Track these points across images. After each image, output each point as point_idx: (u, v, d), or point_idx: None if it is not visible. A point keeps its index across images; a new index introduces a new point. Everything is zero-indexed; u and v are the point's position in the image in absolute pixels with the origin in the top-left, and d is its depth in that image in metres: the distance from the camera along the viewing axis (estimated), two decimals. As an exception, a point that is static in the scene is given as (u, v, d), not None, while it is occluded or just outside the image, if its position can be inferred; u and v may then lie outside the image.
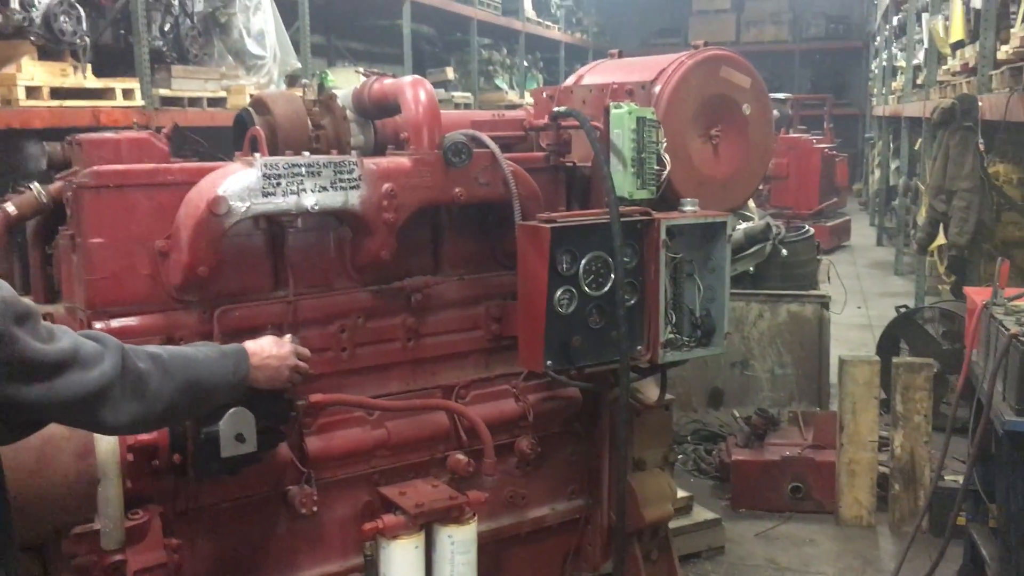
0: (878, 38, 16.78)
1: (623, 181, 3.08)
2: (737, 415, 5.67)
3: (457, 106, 10.79)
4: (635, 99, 3.24)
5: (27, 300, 1.73)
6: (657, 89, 3.24)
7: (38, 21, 5.39)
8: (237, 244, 2.77)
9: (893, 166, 13.52)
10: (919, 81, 10.42)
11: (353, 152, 3.02)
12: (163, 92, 6.44)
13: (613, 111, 3.09)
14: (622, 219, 2.94)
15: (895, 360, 5.01)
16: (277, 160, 2.68)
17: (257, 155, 2.68)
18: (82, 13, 5.64)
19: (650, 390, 3.52)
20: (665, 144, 3.14)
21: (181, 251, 2.58)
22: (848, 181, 17.66)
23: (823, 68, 23.07)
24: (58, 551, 2.42)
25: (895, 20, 13.38)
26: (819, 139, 15.25)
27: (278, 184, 2.65)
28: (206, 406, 2.25)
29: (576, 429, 3.47)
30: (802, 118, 16.85)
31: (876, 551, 4.69)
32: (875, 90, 17.17)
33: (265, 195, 2.63)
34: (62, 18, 5.48)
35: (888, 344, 6.32)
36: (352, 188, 2.77)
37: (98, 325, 2.55)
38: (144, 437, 2.47)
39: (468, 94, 11.95)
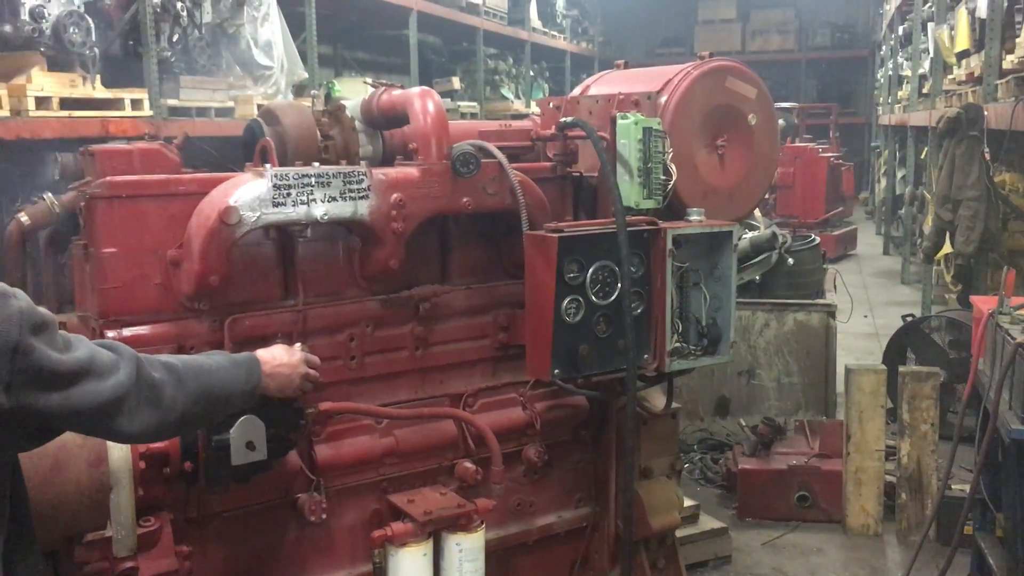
0: (884, 47, 16.79)
1: (629, 191, 3.10)
2: (744, 424, 5.68)
3: (463, 116, 10.83)
4: (641, 109, 3.26)
5: (44, 310, 1.75)
6: (663, 100, 3.27)
7: (48, 32, 5.43)
8: (248, 254, 2.80)
9: (899, 175, 13.51)
10: (925, 90, 10.42)
11: (362, 162, 3.05)
12: (171, 102, 6.48)
13: (619, 121, 3.12)
14: (629, 228, 2.96)
15: (902, 369, 5.01)
16: (287, 170, 2.71)
17: (268, 166, 2.72)
18: (91, 24, 5.68)
19: (657, 398, 3.54)
20: (671, 154, 3.16)
21: (192, 260, 2.61)
22: (854, 190, 17.66)
23: (829, 77, 23.07)
24: (70, 558, 2.44)
25: (901, 29, 13.39)
26: (825, 148, 15.23)
27: (288, 194, 2.67)
28: (220, 414, 2.27)
29: (583, 437, 3.49)
30: (808, 127, 16.87)
31: (883, 560, 4.69)
32: (881, 99, 17.17)
33: (275, 205, 2.66)
34: (71, 29, 5.51)
35: (895, 353, 6.32)
36: (361, 198, 2.80)
37: (111, 334, 2.58)
38: (156, 445, 2.49)
39: (474, 103, 11.99)
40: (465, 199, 3.01)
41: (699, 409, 6.27)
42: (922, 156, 10.70)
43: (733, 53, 19.33)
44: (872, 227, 17.01)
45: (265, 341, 2.67)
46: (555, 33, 16.17)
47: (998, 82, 6.18)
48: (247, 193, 2.63)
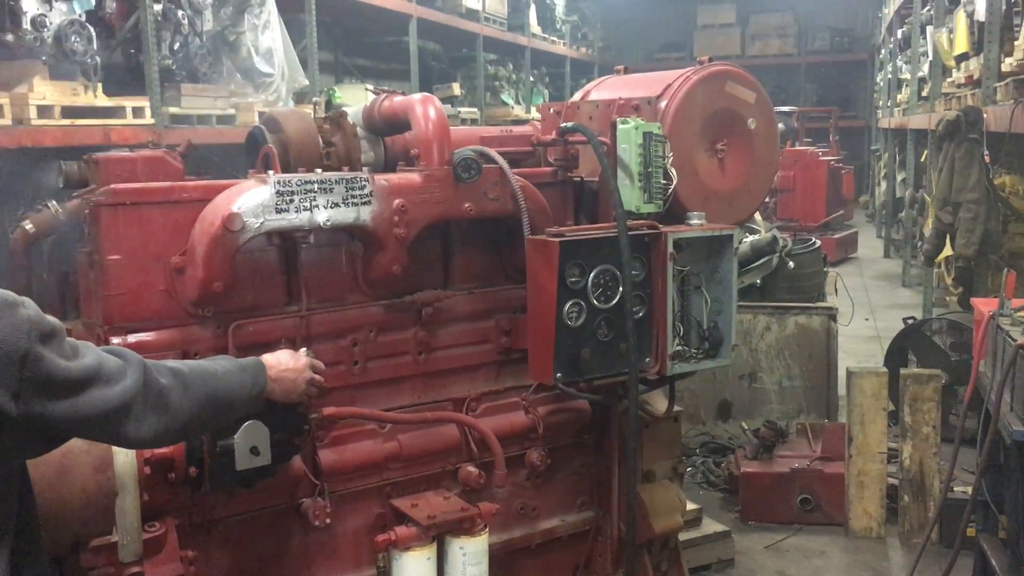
0: (883, 51, 16.81)
1: (630, 195, 3.11)
2: (745, 427, 5.69)
3: (463, 121, 10.85)
4: (641, 114, 3.28)
5: (52, 318, 1.77)
6: (663, 104, 3.28)
7: (49, 41, 5.45)
8: (251, 260, 2.81)
9: (899, 178, 13.52)
10: (924, 93, 10.44)
11: (364, 168, 3.06)
12: (173, 110, 6.50)
13: (620, 126, 3.13)
14: (630, 233, 2.98)
15: (903, 371, 5.02)
16: (290, 177, 2.72)
17: (270, 172, 2.73)
18: (93, 33, 5.70)
19: (659, 402, 3.55)
20: (671, 158, 3.18)
21: (196, 267, 2.63)
22: (854, 193, 17.68)
23: (828, 81, 23.11)
24: (76, 564, 2.45)
25: (900, 33, 13.41)
26: (825, 152, 15.26)
27: (291, 201, 2.69)
28: (226, 419, 2.28)
29: (586, 441, 3.49)
30: (808, 131, 16.88)
31: (886, 563, 4.69)
32: (880, 102, 17.19)
33: (278, 211, 2.67)
34: (73, 38, 5.53)
35: (896, 355, 6.33)
36: (364, 204, 2.81)
37: (115, 340, 2.59)
38: (160, 451, 2.50)
39: (474, 109, 12.02)
40: (467, 204, 3.03)
41: (701, 412, 6.28)
42: (922, 159, 10.71)
43: (732, 57, 19.38)
44: (872, 230, 17.03)
45: (269, 347, 2.69)
46: (555, 39, 16.21)
47: (997, 85, 6.19)
48: (250, 200, 2.64)
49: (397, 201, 2.87)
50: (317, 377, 2.58)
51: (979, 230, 6.15)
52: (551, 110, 3.71)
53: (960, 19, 7.47)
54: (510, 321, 3.28)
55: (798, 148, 14.45)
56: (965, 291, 6.66)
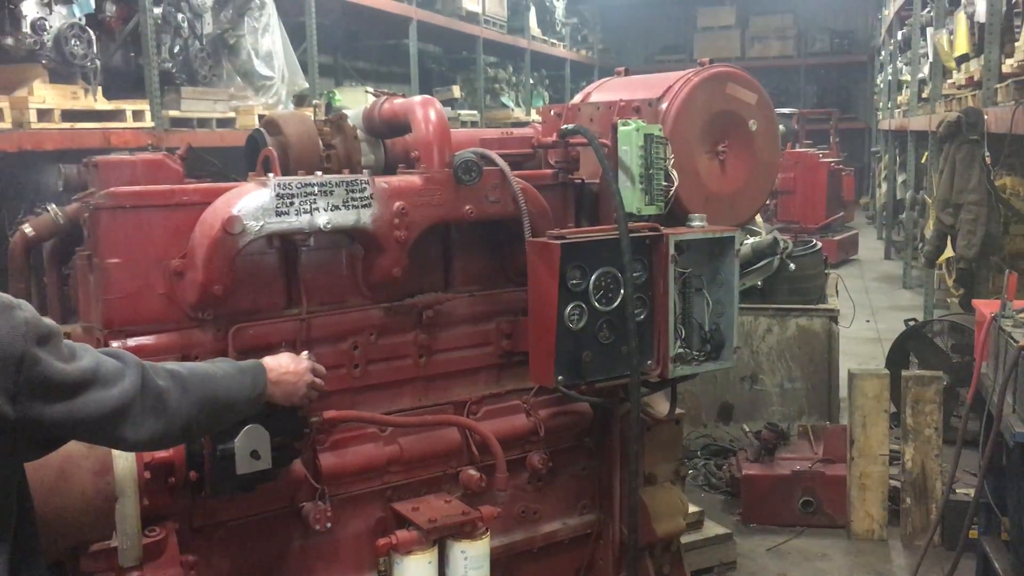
0: (883, 52, 16.82)
1: (631, 197, 3.10)
2: (747, 429, 5.67)
3: (464, 124, 10.85)
4: (642, 116, 3.27)
5: (49, 320, 1.76)
6: (664, 106, 3.28)
7: (49, 44, 5.45)
8: (251, 263, 2.80)
9: (900, 179, 13.52)
10: (924, 95, 10.44)
11: (364, 171, 3.05)
12: (173, 113, 6.50)
13: (621, 128, 3.12)
14: (631, 235, 2.97)
15: (905, 373, 5.01)
16: (290, 180, 2.71)
17: (270, 175, 2.72)
18: (92, 36, 5.70)
19: (660, 405, 3.54)
20: (672, 160, 3.17)
21: (196, 270, 2.62)
22: (855, 195, 17.68)
23: (828, 83, 23.12)
24: (76, 568, 2.44)
25: (900, 34, 13.42)
26: (825, 153, 15.26)
27: (291, 203, 2.68)
28: (226, 421, 2.27)
29: (587, 444, 3.48)
30: (808, 132, 16.87)
31: (888, 565, 4.68)
32: (880, 104, 17.19)
33: (279, 214, 2.67)
34: (73, 41, 5.53)
35: (897, 357, 6.32)
36: (364, 207, 2.80)
37: (115, 344, 2.58)
38: (160, 454, 2.50)
39: (474, 112, 12.02)
40: (467, 207, 3.02)
41: (702, 415, 6.27)
42: (922, 160, 10.71)
43: (732, 59, 19.36)
44: (873, 232, 17.03)
45: (269, 350, 2.68)
46: (555, 41, 16.22)
47: (998, 86, 6.19)
48: (250, 203, 2.63)
49: (397, 204, 2.87)
50: (318, 380, 2.58)
51: (980, 232, 6.15)
52: (552, 112, 3.71)
53: (960, 20, 7.47)
54: (511, 324, 3.27)
55: (798, 150, 14.45)
56: (966, 293, 6.65)
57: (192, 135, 6.38)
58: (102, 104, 5.84)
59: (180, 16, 6.62)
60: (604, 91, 3.70)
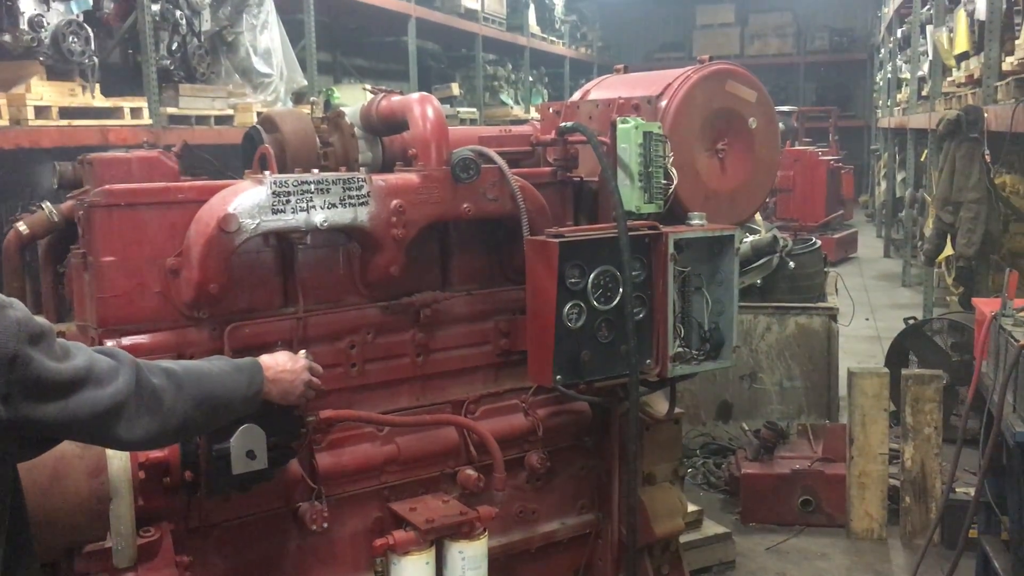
0: (882, 50, 16.81)
1: (630, 195, 3.09)
2: (746, 428, 5.66)
3: (463, 121, 10.84)
4: (641, 114, 3.26)
5: (41, 319, 1.74)
6: (663, 103, 3.26)
7: (47, 42, 5.44)
8: (247, 261, 2.78)
9: (899, 178, 13.51)
10: (924, 93, 10.42)
11: (361, 169, 3.04)
12: (171, 111, 6.49)
13: (620, 126, 3.10)
14: (630, 233, 2.95)
15: (904, 372, 4.99)
16: (287, 178, 2.70)
17: (267, 173, 2.70)
18: (90, 33, 5.69)
19: (659, 404, 3.52)
20: (672, 158, 3.15)
21: (192, 268, 2.60)
22: (854, 193, 17.66)
23: (828, 81, 23.12)
24: (70, 570, 2.42)
25: (899, 32, 13.40)
26: (824, 151, 15.25)
27: (288, 201, 2.66)
28: (221, 420, 2.26)
29: (586, 443, 3.47)
30: (807, 130, 16.87)
31: (888, 564, 4.67)
32: (880, 102, 17.18)
33: (275, 212, 2.65)
34: (70, 38, 5.52)
35: (897, 356, 6.31)
36: (361, 205, 2.79)
37: (110, 343, 2.56)
38: (155, 454, 2.48)
39: (473, 109, 12.01)
40: (465, 205, 3.00)
41: (701, 414, 6.26)
42: (922, 159, 10.70)
43: (732, 57, 19.39)
44: (872, 230, 17.02)
45: (265, 349, 2.66)
46: (554, 39, 16.21)
47: (997, 84, 6.17)
48: (246, 200, 2.61)
49: (395, 202, 2.85)
50: (315, 380, 2.56)
51: (980, 230, 6.13)
52: (550, 110, 3.69)
53: (960, 18, 7.45)
54: (509, 323, 3.26)
55: (798, 148, 14.44)
56: (966, 291, 6.64)
57: (190, 132, 6.38)
58: (100, 101, 5.83)
59: (178, 13, 6.61)
60: (603, 88, 3.68)
